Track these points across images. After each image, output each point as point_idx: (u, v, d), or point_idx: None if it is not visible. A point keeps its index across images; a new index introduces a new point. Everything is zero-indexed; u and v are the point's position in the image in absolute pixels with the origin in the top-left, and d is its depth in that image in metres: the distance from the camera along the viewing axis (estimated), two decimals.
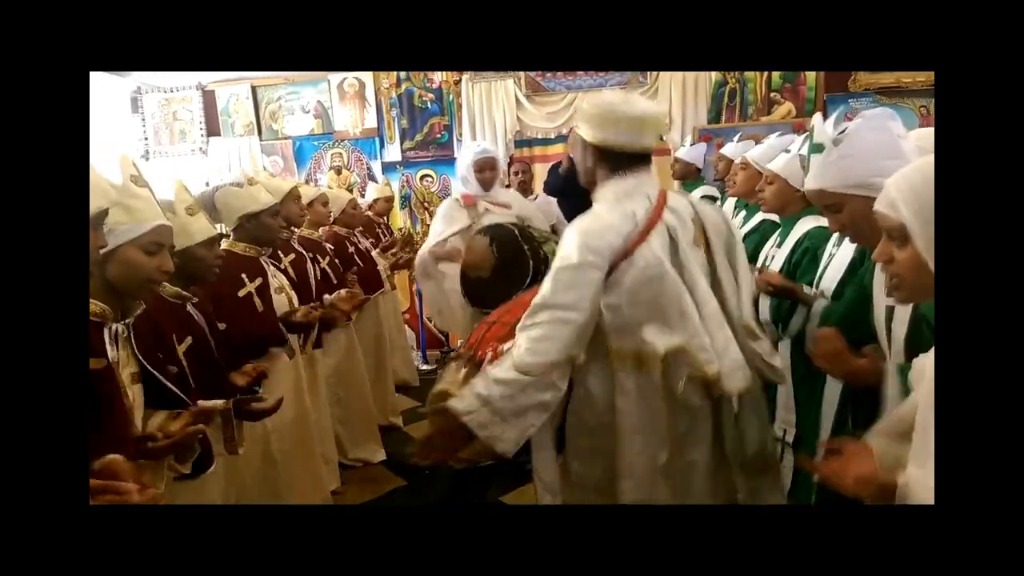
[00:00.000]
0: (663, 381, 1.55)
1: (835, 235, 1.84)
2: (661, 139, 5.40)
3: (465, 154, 3.14)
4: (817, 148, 1.42)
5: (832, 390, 1.89)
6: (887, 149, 1.34)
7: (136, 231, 1.39)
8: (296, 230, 3.13)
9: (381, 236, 4.51)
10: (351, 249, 3.83)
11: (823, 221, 1.95)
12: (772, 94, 5.19)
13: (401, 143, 5.56)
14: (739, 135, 3.95)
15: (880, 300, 1.46)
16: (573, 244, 1.53)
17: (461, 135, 5.45)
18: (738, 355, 1.56)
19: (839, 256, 1.76)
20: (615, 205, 1.58)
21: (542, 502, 1.67)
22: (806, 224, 2.02)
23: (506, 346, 1.57)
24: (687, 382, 1.55)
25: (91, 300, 1.32)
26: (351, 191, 5.08)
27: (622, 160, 1.60)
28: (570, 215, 2.46)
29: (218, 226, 2.66)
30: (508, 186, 4.02)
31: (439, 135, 5.53)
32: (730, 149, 3.61)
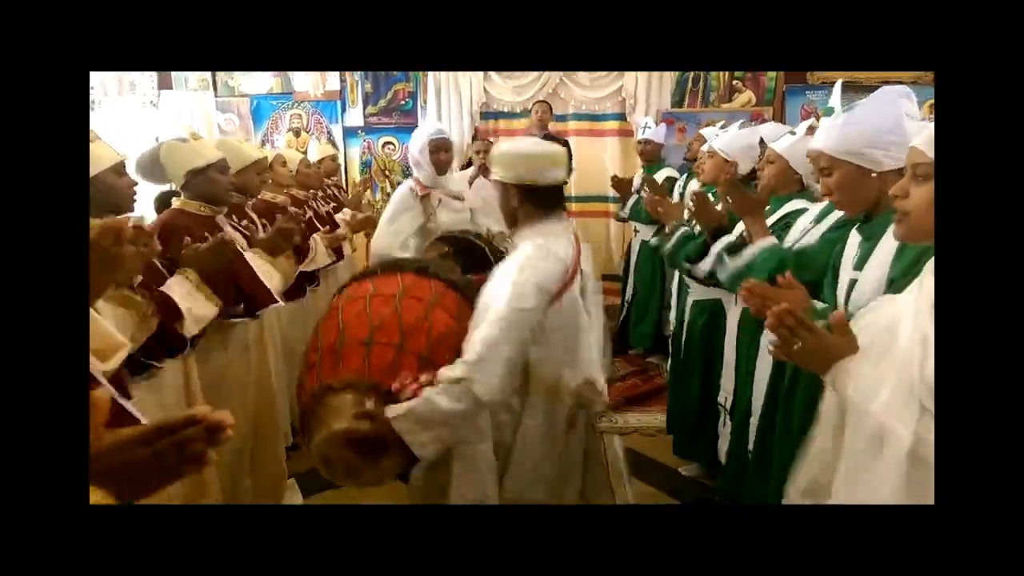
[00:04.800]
0: (568, 409, 1.80)
1: (814, 211, 1.91)
2: (624, 120, 5.46)
3: (419, 135, 2.99)
4: (828, 111, 1.51)
5: (764, 363, 2.03)
6: (890, 124, 1.39)
7: None
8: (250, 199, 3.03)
9: (337, 198, 4.38)
10: (309, 214, 3.74)
11: (808, 204, 2.04)
12: (734, 82, 5.29)
13: (364, 108, 5.44)
14: (721, 124, 3.97)
15: (845, 273, 1.53)
16: (529, 284, 1.60)
17: (426, 103, 5.37)
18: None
19: (816, 231, 1.83)
20: (551, 245, 1.70)
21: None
22: (794, 205, 2.09)
23: (424, 377, 1.55)
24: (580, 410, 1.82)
25: None
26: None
27: (544, 197, 1.76)
28: None
29: (169, 185, 2.59)
30: (467, 166, 3.95)
31: (403, 102, 5.43)
32: (710, 133, 3.63)
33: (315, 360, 1.65)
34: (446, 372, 1.53)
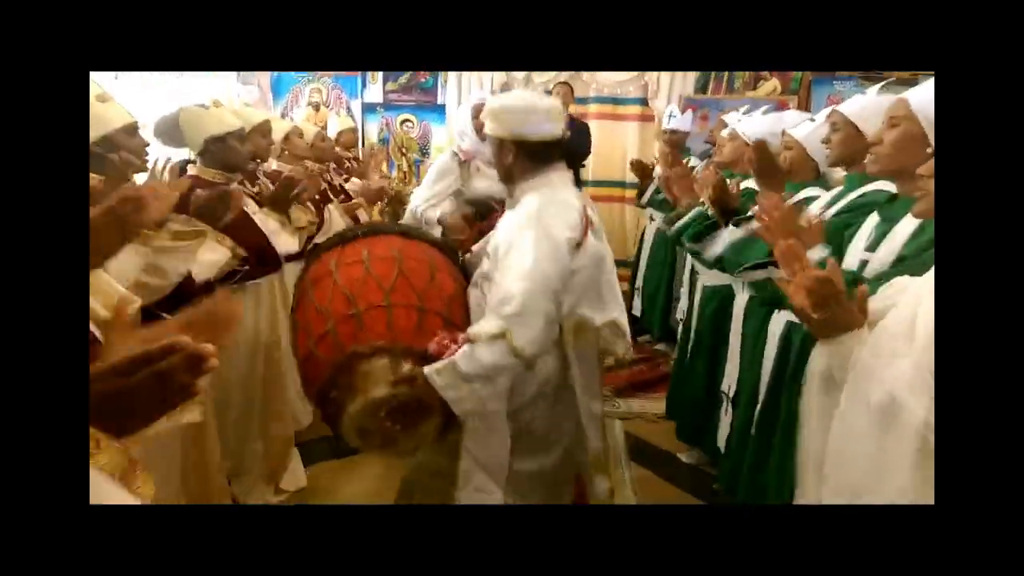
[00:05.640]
0: (597, 347, 1.81)
1: (826, 198, 1.89)
2: (646, 104, 5.39)
3: (464, 105, 3.20)
4: None
5: (771, 351, 2.03)
6: None
7: None
8: (262, 163, 3.07)
9: (354, 170, 4.39)
10: (324, 186, 3.76)
11: (823, 192, 2.02)
12: None
13: (383, 84, 5.43)
14: (745, 108, 3.92)
15: (855, 255, 1.53)
16: (555, 236, 1.59)
17: (446, 81, 5.35)
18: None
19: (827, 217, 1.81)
20: (556, 195, 1.68)
21: (470, 482, 1.72)
22: (808, 192, 2.08)
23: (462, 336, 1.55)
24: (602, 349, 1.83)
25: None
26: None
27: (540, 151, 1.70)
28: None
29: (185, 151, 2.61)
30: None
31: (424, 80, 5.41)
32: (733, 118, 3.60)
33: (326, 329, 1.59)
34: (485, 327, 1.52)
